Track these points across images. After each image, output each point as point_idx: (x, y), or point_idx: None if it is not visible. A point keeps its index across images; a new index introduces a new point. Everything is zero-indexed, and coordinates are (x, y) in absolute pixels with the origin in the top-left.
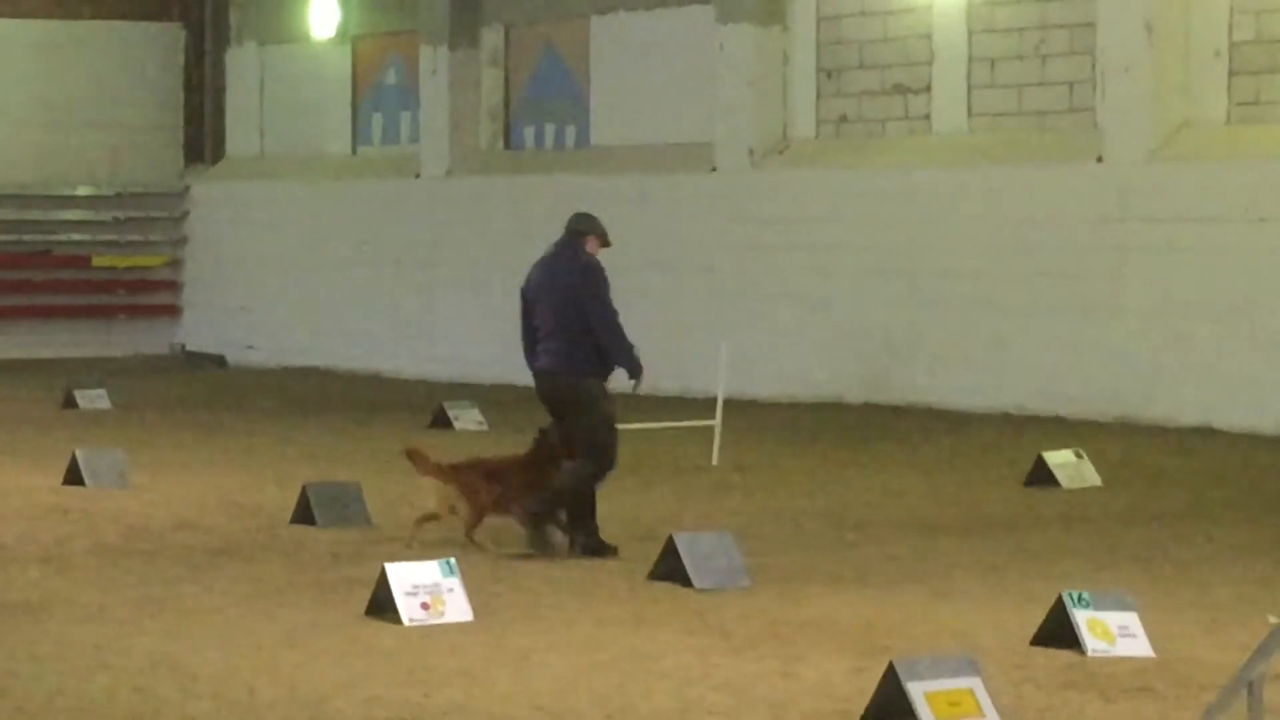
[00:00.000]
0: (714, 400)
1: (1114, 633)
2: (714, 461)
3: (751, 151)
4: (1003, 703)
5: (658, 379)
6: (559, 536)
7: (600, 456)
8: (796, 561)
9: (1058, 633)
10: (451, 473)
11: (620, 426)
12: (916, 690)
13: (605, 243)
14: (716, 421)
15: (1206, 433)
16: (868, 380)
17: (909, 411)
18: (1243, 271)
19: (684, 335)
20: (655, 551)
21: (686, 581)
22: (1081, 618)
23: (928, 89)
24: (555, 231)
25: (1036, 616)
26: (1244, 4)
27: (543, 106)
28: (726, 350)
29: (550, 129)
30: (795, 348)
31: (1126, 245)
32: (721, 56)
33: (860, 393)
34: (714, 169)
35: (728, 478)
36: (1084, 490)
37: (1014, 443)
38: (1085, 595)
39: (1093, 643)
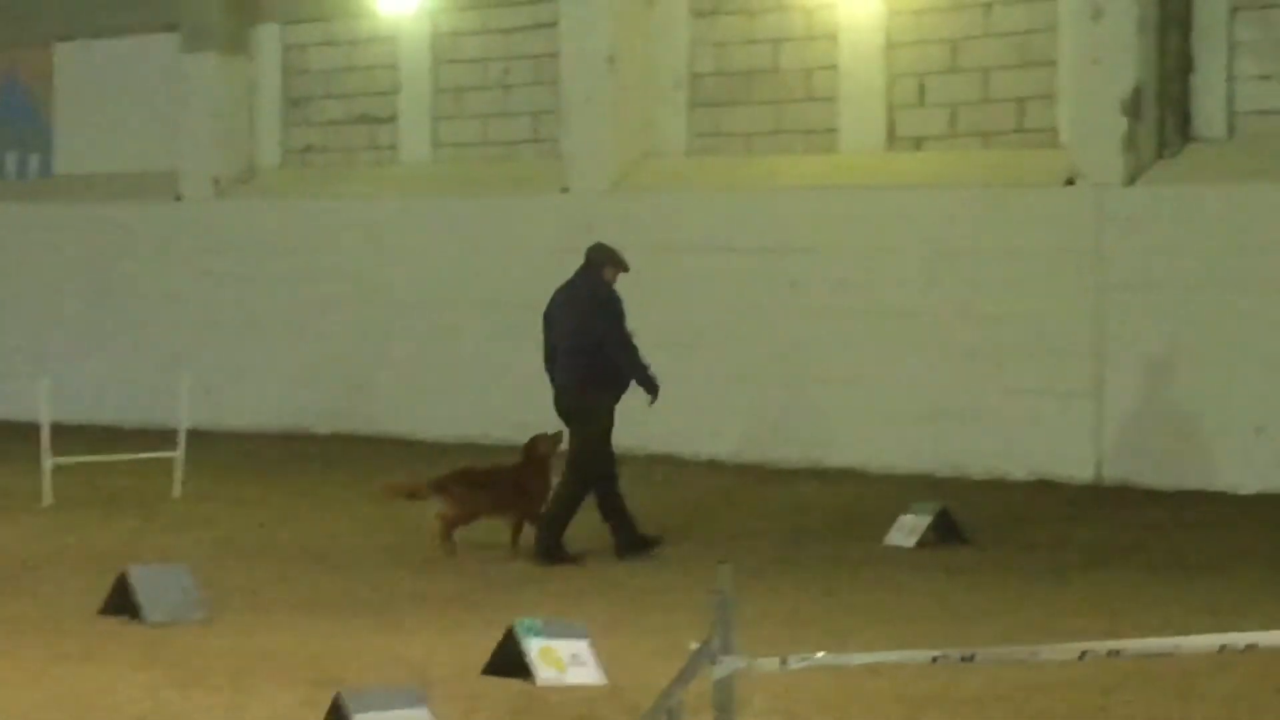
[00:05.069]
0: (176, 432)
1: (565, 661)
2: (176, 493)
3: (217, 181)
4: None
5: (122, 410)
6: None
7: (586, 470)
8: (255, 593)
9: (509, 662)
10: (437, 487)
11: (79, 460)
12: None
13: (623, 269)
14: (179, 453)
15: (670, 461)
16: (333, 411)
17: (374, 441)
18: (703, 301)
19: (147, 366)
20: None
21: (138, 615)
22: (533, 646)
23: (394, 119)
24: (22, 262)
25: (490, 646)
26: (704, 36)
27: (5, 134)
28: (189, 380)
29: (13, 157)
30: (261, 378)
31: None
32: (186, 86)
33: (327, 423)
34: (179, 198)
35: (190, 509)
36: None
37: None
38: (536, 623)
39: (543, 671)
